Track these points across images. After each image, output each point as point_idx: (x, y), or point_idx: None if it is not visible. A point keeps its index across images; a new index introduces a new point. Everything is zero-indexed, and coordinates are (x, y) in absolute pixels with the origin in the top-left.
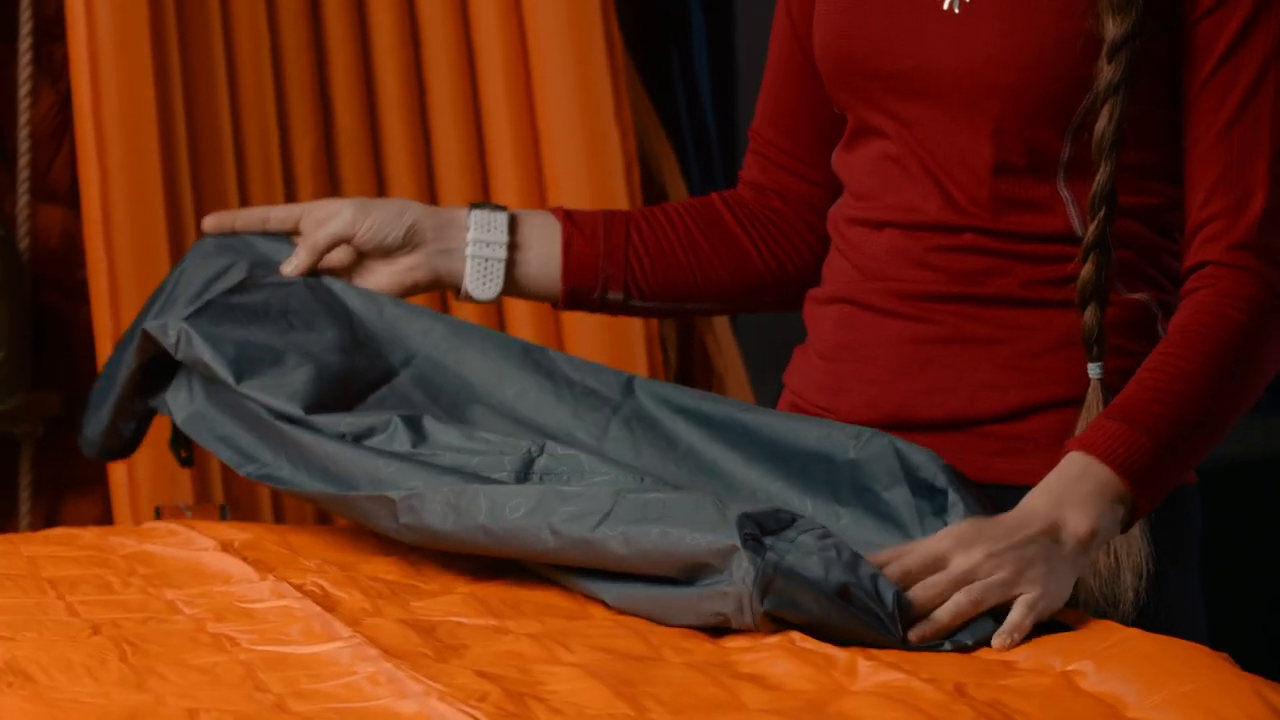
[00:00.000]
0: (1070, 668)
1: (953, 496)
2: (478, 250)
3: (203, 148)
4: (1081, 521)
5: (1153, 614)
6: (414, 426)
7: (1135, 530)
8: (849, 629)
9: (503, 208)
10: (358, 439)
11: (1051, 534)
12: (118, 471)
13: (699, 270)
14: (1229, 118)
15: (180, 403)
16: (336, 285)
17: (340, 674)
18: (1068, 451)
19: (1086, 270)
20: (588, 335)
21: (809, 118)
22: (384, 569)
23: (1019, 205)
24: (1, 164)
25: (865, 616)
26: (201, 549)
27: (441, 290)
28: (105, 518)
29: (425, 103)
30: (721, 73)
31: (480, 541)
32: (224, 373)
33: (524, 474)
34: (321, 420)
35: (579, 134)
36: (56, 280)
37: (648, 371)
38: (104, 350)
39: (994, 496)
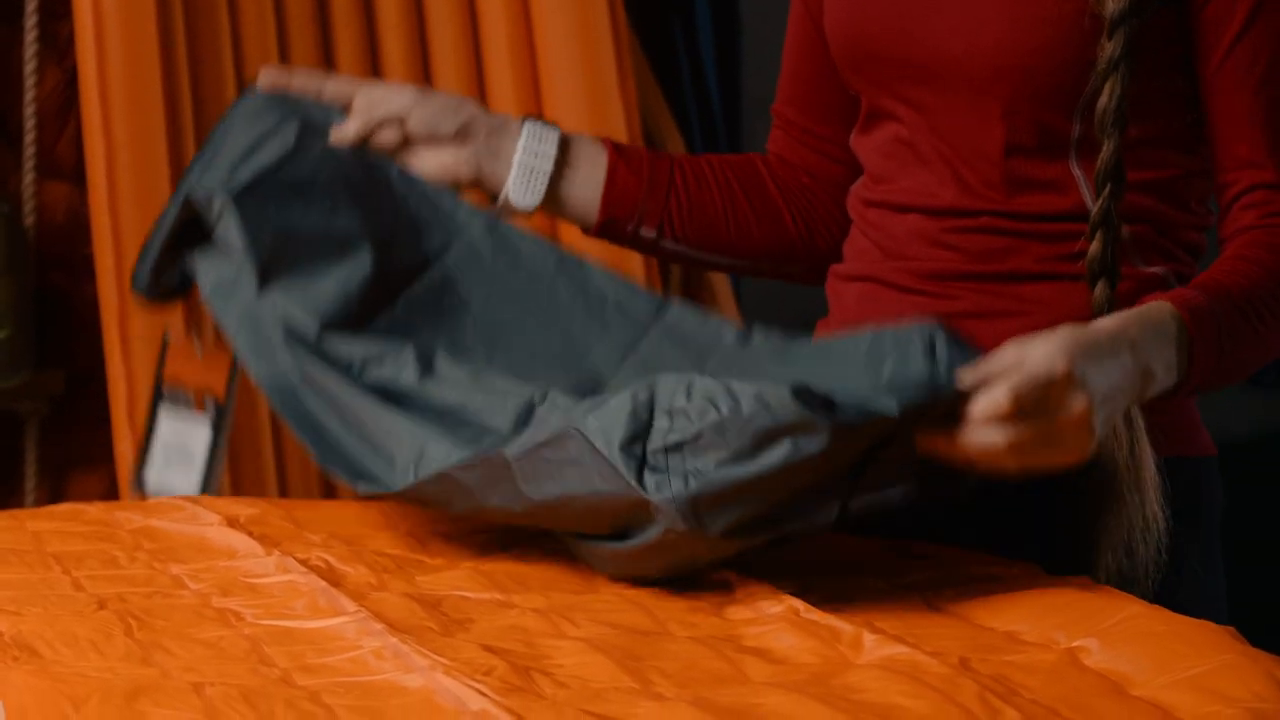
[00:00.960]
0: (1075, 644)
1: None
2: (526, 159)
3: (208, 125)
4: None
5: (1172, 589)
6: (425, 361)
7: (1154, 502)
8: (803, 477)
9: (556, 125)
10: (366, 364)
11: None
12: (123, 447)
13: (735, 224)
14: (1260, 79)
15: (209, 270)
16: (384, 162)
17: (346, 648)
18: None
19: (1094, 247)
20: None
21: (828, 100)
22: (389, 544)
23: (1032, 186)
24: (7, 141)
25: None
26: (207, 524)
27: (481, 191)
28: (111, 495)
29: (429, 75)
30: (725, 47)
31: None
32: (250, 273)
33: (524, 421)
34: (335, 344)
35: (583, 109)
36: (62, 258)
37: None
38: (109, 327)
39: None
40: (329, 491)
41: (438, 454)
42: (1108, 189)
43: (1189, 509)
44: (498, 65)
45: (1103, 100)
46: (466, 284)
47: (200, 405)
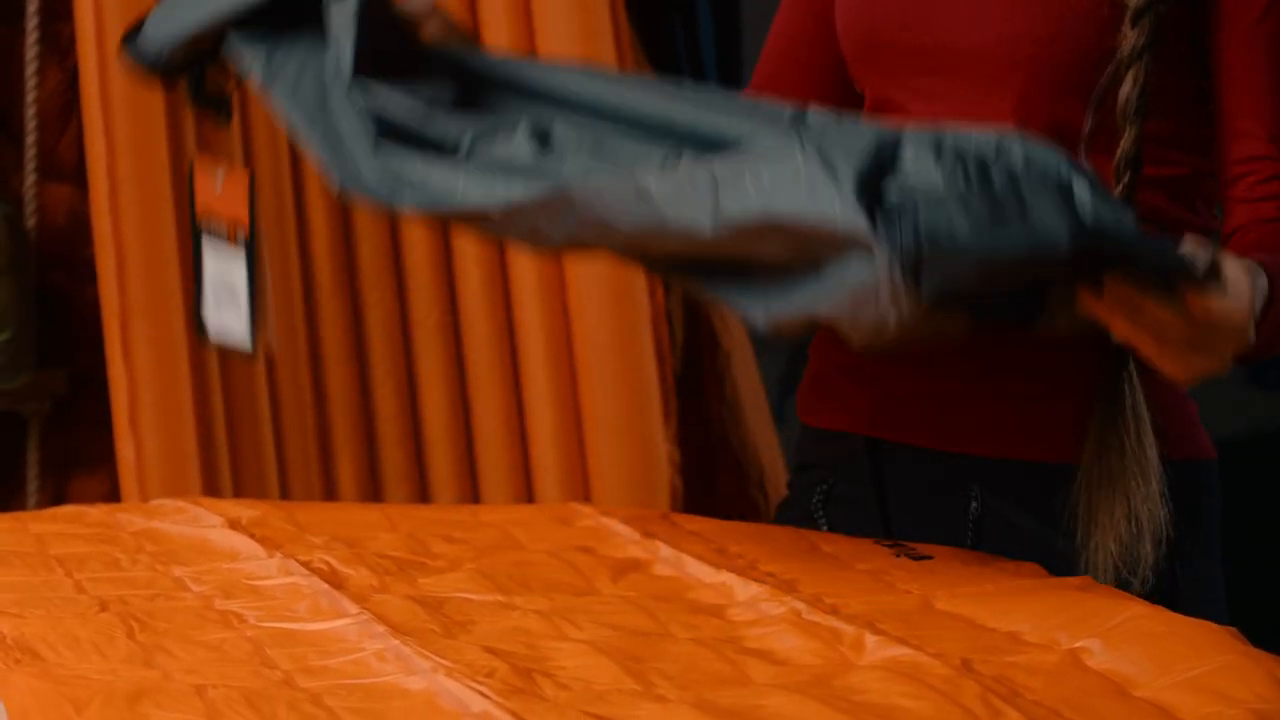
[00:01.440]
0: (1077, 645)
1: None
2: None
3: (210, 125)
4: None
5: (1173, 590)
6: (540, 134)
7: (1156, 498)
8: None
9: None
10: (476, 143)
11: None
12: (125, 450)
13: None
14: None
15: (280, 59)
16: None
17: (348, 650)
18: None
19: None
20: (594, 309)
21: (812, 89)
22: (391, 546)
23: None
24: (8, 142)
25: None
26: (209, 526)
27: None
28: (112, 496)
29: None
30: (726, 49)
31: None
32: (348, 62)
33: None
34: (440, 123)
35: None
36: (63, 259)
37: (654, 349)
38: (110, 329)
39: (1012, 471)
40: (331, 493)
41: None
42: (1127, 177)
43: (1189, 511)
44: None
45: (1125, 89)
46: (568, 86)
47: (233, 238)
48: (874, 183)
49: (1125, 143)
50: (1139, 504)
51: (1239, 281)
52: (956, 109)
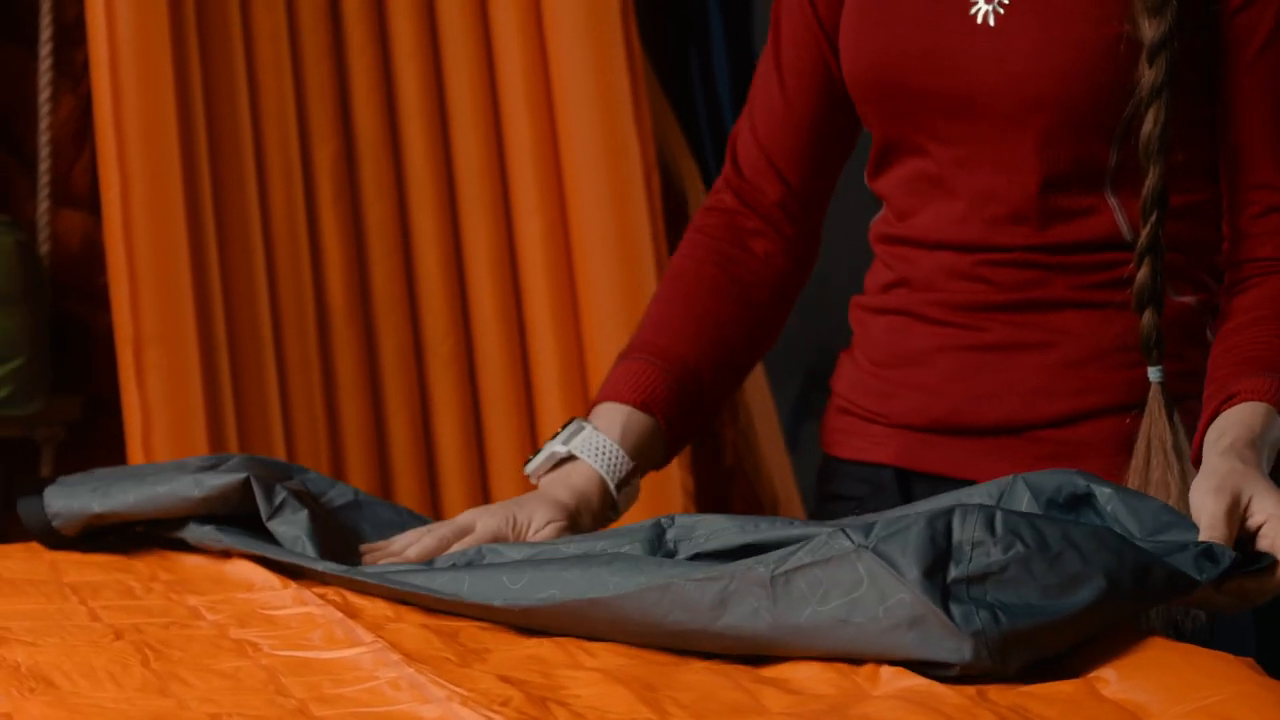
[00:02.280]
0: (1093, 673)
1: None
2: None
3: (223, 153)
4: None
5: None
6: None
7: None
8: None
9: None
10: (469, 564)
11: None
12: None
13: (748, 355)
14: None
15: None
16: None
17: (362, 679)
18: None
19: (1142, 274)
20: (608, 339)
21: (822, 125)
22: None
23: (1066, 215)
24: (22, 169)
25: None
26: (223, 556)
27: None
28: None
29: (445, 108)
30: (741, 77)
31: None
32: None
33: (656, 544)
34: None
35: (598, 139)
36: (77, 285)
37: None
38: (124, 355)
39: None
40: None
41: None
42: (1155, 215)
43: None
44: (513, 98)
45: (1147, 127)
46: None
47: None
48: (939, 574)
49: (1151, 180)
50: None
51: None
52: (977, 151)
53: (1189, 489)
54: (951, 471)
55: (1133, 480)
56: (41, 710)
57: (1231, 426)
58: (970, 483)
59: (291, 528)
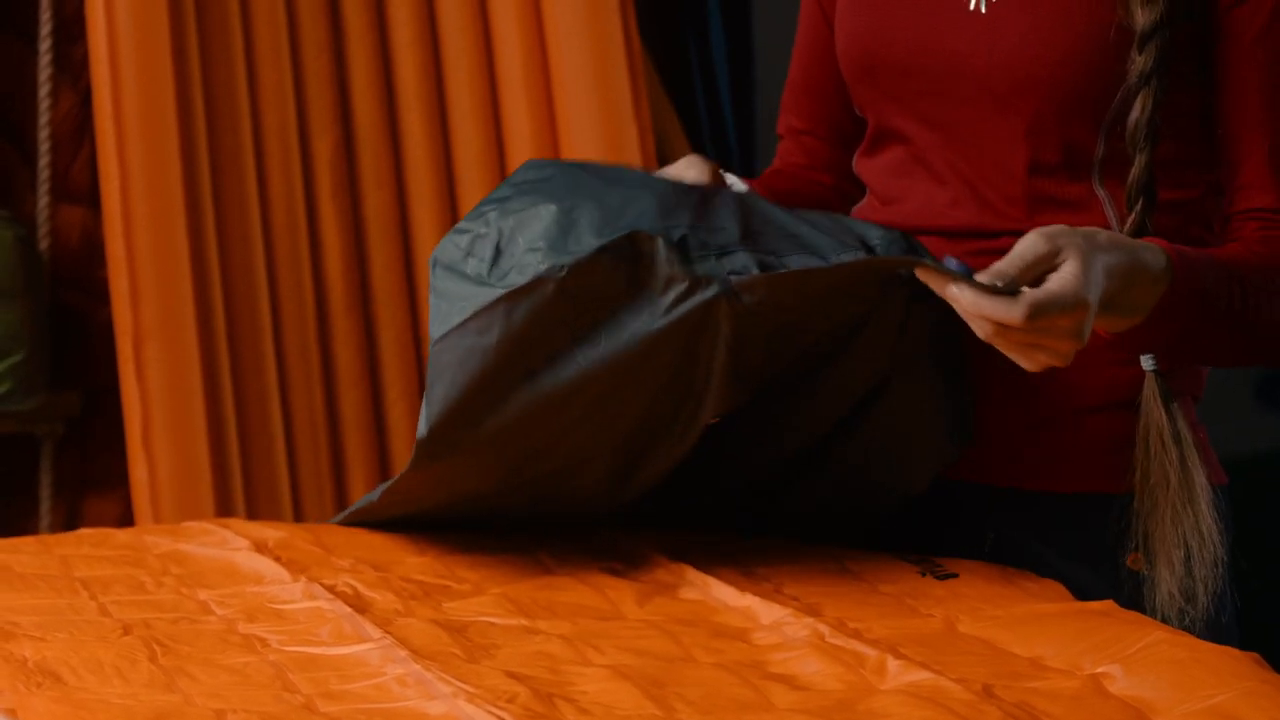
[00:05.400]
0: (1099, 670)
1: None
2: None
3: (223, 146)
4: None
5: (1231, 604)
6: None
7: (1208, 518)
8: None
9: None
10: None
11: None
12: (138, 471)
13: None
14: (1273, 86)
15: None
16: None
17: (369, 675)
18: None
19: None
20: None
21: (828, 113)
22: (417, 570)
23: (1055, 205)
24: (22, 164)
25: None
26: (235, 549)
27: None
28: (126, 518)
29: (444, 99)
30: (739, 70)
31: None
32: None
33: None
34: None
35: (597, 131)
36: (77, 280)
37: None
38: (124, 350)
39: (1027, 502)
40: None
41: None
42: (1140, 204)
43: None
44: (512, 89)
45: (1135, 114)
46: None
47: None
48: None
49: (1136, 170)
50: (1191, 525)
51: (1066, 285)
52: (965, 135)
53: (1189, 477)
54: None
55: (1135, 472)
56: (47, 705)
57: (1122, 237)
58: (959, 484)
59: None
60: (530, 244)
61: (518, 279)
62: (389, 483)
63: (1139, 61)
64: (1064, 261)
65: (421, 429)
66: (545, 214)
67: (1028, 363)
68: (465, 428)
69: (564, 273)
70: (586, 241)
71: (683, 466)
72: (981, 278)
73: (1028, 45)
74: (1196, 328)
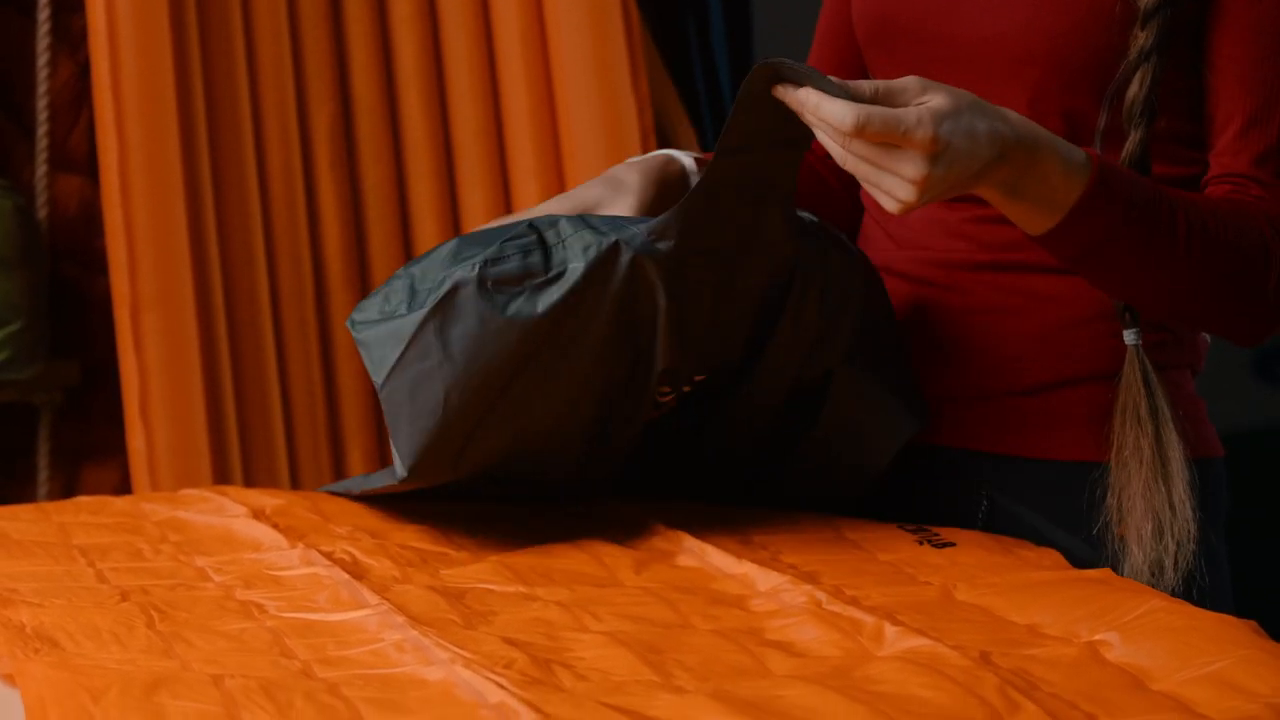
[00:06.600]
0: (1096, 638)
1: None
2: None
3: (221, 117)
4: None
5: (1199, 580)
6: None
7: (1184, 500)
8: None
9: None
10: None
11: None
12: (136, 440)
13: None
14: (1261, 54)
15: None
16: None
17: (367, 641)
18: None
19: None
20: None
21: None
22: (415, 537)
23: None
24: (20, 134)
25: None
26: (233, 516)
27: None
28: (124, 487)
29: (442, 73)
30: (738, 44)
31: None
32: None
33: None
34: None
35: (596, 105)
36: (75, 250)
37: None
38: (122, 320)
39: (1022, 470)
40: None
41: None
42: None
43: (1209, 504)
44: (510, 62)
45: (1133, 90)
46: None
47: None
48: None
49: (1130, 144)
50: (1163, 499)
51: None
52: None
53: (1164, 452)
54: (925, 438)
55: (1109, 445)
56: (44, 671)
57: (1033, 123)
58: (945, 449)
59: None
60: (439, 268)
61: (436, 296)
62: (370, 486)
63: (1140, 37)
64: (928, 101)
65: (399, 470)
66: (446, 246)
67: (880, 194)
68: (444, 453)
69: (476, 270)
70: (490, 247)
71: (665, 452)
72: (836, 81)
73: (1032, 16)
74: (1120, 244)
